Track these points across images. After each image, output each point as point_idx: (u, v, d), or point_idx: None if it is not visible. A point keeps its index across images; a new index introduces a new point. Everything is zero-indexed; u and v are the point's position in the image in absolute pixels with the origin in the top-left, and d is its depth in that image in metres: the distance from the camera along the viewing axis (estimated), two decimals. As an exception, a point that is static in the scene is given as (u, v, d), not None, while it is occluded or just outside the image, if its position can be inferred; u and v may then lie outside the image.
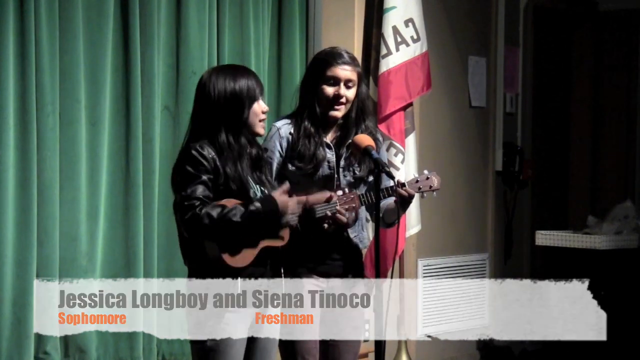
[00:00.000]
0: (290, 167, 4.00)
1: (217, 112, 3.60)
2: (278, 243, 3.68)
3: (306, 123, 3.99)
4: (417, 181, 4.03)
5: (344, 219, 3.86)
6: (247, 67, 3.81)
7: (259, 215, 3.53)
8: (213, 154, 3.57)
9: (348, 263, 4.09)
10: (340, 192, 3.87)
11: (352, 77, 4.00)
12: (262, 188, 3.69)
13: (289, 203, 3.61)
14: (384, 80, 5.87)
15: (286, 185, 3.66)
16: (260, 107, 3.67)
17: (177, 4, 5.36)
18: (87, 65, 5.02)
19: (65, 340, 4.97)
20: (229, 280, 3.56)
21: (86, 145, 5.02)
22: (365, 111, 4.08)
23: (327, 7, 6.07)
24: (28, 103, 4.78)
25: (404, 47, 5.91)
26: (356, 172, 4.05)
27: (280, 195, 3.61)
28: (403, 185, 3.96)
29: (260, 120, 3.68)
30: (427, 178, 4.03)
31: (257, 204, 3.54)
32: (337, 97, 3.97)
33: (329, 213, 3.82)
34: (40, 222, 4.84)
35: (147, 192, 5.18)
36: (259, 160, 3.72)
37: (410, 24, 5.93)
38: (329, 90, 3.98)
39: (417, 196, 4.05)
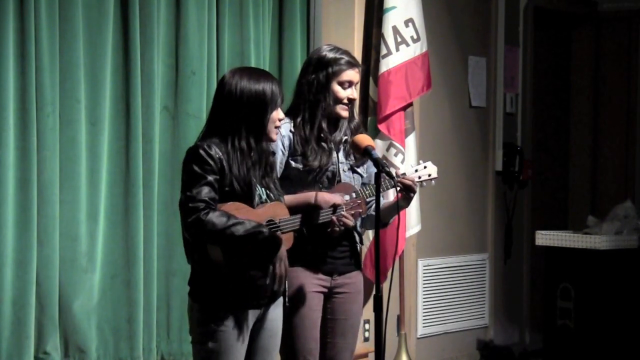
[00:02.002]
0: (294, 164, 4.02)
1: (239, 111, 3.58)
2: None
3: (323, 125, 4.05)
4: (415, 170, 4.12)
5: (350, 222, 3.90)
6: (270, 72, 3.79)
7: (261, 240, 3.51)
8: (220, 154, 3.55)
9: (349, 260, 4.11)
10: (347, 197, 3.90)
11: (359, 79, 4.15)
12: (267, 192, 3.68)
13: (283, 259, 3.59)
14: (384, 80, 5.87)
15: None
16: (278, 114, 3.66)
17: (177, 4, 5.36)
18: (87, 65, 5.02)
19: (65, 340, 4.97)
20: (230, 280, 3.55)
21: (86, 145, 5.01)
22: (354, 107, 4.20)
23: (327, 7, 6.07)
24: (28, 103, 4.78)
25: (404, 47, 5.91)
26: (352, 164, 4.11)
27: (284, 250, 3.60)
28: (403, 175, 4.02)
29: (275, 127, 3.67)
30: (425, 167, 4.12)
31: (265, 231, 3.52)
32: (351, 100, 4.09)
33: (334, 218, 3.85)
34: (40, 222, 4.83)
35: (147, 192, 5.18)
36: (269, 164, 3.71)
37: (410, 24, 5.93)
38: (344, 93, 4.07)
39: (417, 196, 4.08)
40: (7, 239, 4.74)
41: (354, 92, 4.08)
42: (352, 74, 4.07)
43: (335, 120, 4.09)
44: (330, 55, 4.08)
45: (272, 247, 3.56)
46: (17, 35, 4.75)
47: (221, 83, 3.65)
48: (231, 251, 3.50)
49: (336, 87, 4.05)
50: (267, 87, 3.61)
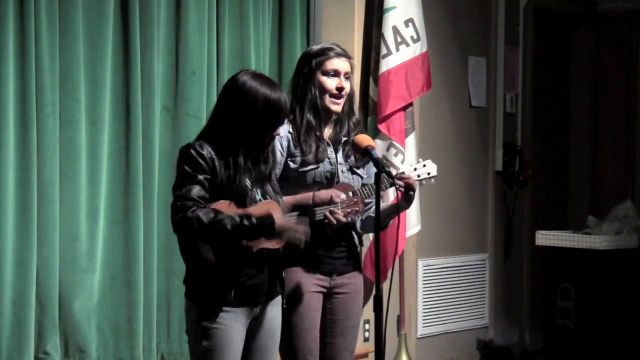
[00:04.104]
0: (292, 164, 4.01)
1: (251, 115, 3.54)
2: (274, 245, 3.64)
3: (309, 116, 4.00)
4: (415, 169, 4.10)
5: (341, 218, 3.87)
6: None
7: (251, 230, 3.49)
8: (212, 153, 3.54)
9: (348, 261, 4.11)
10: (343, 196, 3.89)
11: (349, 69, 4.06)
12: (263, 192, 3.65)
13: (287, 225, 3.56)
14: (384, 80, 5.88)
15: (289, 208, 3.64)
16: (281, 129, 3.66)
17: (177, 4, 5.36)
18: (87, 65, 5.02)
19: (65, 340, 4.98)
20: (226, 279, 3.55)
21: (86, 145, 5.02)
22: (354, 103, 4.14)
23: (327, 7, 6.07)
24: (28, 103, 4.78)
25: (404, 47, 5.92)
26: (352, 165, 4.09)
27: (280, 217, 3.56)
28: (402, 173, 4.00)
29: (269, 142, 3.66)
30: (424, 165, 4.11)
31: (253, 220, 3.48)
32: (339, 90, 4.01)
33: (327, 213, 3.84)
34: (40, 222, 4.83)
35: (147, 192, 5.19)
36: (266, 167, 3.68)
37: (410, 24, 5.94)
38: (331, 82, 4.01)
39: (416, 196, 4.07)
40: (7, 239, 4.74)
41: (342, 82, 4.00)
42: (338, 62, 4.01)
43: (326, 114, 4.05)
44: (316, 48, 4.07)
45: (266, 226, 3.50)
46: (17, 35, 4.75)
47: (234, 84, 3.60)
48: (222, 248, 3.49)
49: (321, 78, 4.00)
50: (282, 98, 3.58)
